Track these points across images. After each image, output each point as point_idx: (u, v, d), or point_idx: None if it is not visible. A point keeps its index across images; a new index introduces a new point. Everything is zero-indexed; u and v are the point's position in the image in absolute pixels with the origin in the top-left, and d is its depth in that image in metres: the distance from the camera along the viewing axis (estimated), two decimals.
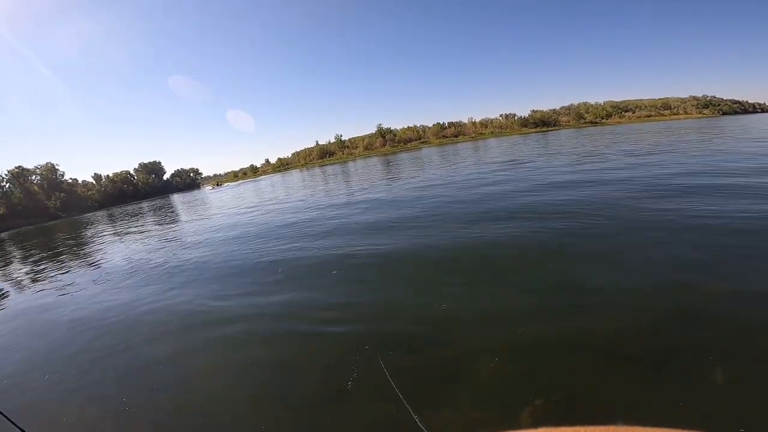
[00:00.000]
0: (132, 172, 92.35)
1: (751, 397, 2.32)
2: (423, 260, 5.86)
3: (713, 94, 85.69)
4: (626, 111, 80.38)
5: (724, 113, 74.43)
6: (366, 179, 22.38)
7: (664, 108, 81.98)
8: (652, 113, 77.90)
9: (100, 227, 24.93)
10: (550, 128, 66.22)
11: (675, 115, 78.84)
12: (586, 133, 43.28)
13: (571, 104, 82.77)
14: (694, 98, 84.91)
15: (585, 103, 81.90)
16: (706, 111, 76.42)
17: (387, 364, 3.11)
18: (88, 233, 21.98)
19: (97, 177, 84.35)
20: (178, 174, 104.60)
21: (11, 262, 15.01)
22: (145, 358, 4.13)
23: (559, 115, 75.60)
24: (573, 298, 3.86)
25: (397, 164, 32.57)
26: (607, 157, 15.20)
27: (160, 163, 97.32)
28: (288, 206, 16.08)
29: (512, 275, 4.72)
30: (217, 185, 71.56)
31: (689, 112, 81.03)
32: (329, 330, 4.14)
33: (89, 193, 78.94)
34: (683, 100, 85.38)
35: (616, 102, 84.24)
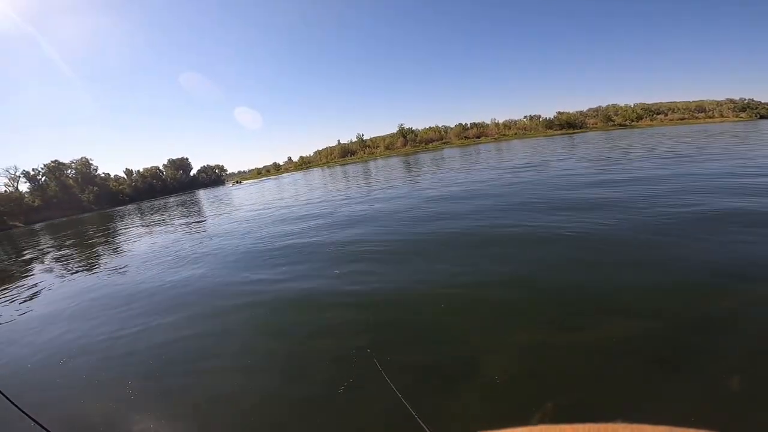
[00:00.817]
0: (161, 167, 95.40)
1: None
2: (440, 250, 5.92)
3: (751, 97, 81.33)
4: (658, 113, 77.36)
5: (762, 117, 70.62)
6: (384, 178, 22.46)
7: (699, 111, 78.48)
8: (686, 116, 74.67)
9: (134, 219, 25.86)
10: (576, 130, 64.55)
11: (710, 118, 75.38)
12: (616, 135, 42.03)
13: (599, 106, 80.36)
14: (731, 101, 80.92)
15: (614, 105, 79.35)
16: (743, 114, 72.71)
17: (390, 359, 3.12)
18: (123, 224, 22.89)
19: (128, 172, 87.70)
20: (204, 170, 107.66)
21: (64, 246, 15.83)
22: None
23: (586, 117, 73.55)
24: (591, 298, 3.82)
25: (416, 164, 32.48)
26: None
27: (187, 159, 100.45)
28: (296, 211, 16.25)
29: (529, 271, 4.67)
30: (238, 183, 73.35)
31: (725, 115, 77.31)
32: (336, 318, 4.22)
33: (120, 187, 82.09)
34: (719, 103, 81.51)
35: (648, 104, 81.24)
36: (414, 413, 1.58)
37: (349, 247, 7.05)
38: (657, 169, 11.74)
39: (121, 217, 31.28)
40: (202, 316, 4.99)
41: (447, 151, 50.61)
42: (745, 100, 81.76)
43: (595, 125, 69.05)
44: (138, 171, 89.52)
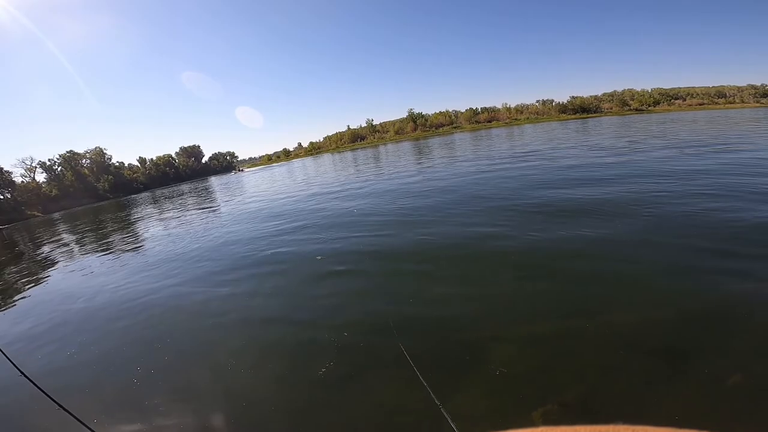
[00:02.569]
0: (173, 155, 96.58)
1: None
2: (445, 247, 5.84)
3: None
4: (676, 98, 75.14)
5: None
6: (394, 163, 22.40)
7: (719, 96, 75.95)
8: (705, 101, 72.40)
9: (149, 209, 26.46)
10: (590, 115, 63.21)
11: (730, 104, 72.92)
12: (634, 119, 41.08)
13: (615, 91, 78.30)
14: (752, 87, 77.99)
15: (630, 90, 77.25)
16: (764, 100, 70.15)
17: (405, 345, 3.04)
18: (139, 212, 23.47)
19: (141, 160, 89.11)
20: (215, 157, 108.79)
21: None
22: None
23: (600, 101, 71.82)
24: (599, 290, 3.81)
25: (427, 148, 32.33)
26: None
27: (199, 147, 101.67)
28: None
29: (537, 264, 4.62)
30: (240, 170, 74.34)
31: (746, 101, 74.67)
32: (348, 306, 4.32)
33: (134, 175, 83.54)
34: (740, 89, 78.62)
35: (665, 89, 78.86)
36: (438, 403, 1.57)
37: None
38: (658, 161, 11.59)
39: (138, 204, 31.80)
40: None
41: (457, 136, 50.13)
42: (767, 86, 78.73)
43: (610, 110, 67.45)
44: (151, 159, 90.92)
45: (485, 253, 5.27)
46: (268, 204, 14.31)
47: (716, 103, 73.10)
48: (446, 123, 72.22)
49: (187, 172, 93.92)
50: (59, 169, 71.84)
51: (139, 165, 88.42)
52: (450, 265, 5.00)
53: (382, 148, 49.46)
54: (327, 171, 26.82)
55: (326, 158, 51.77)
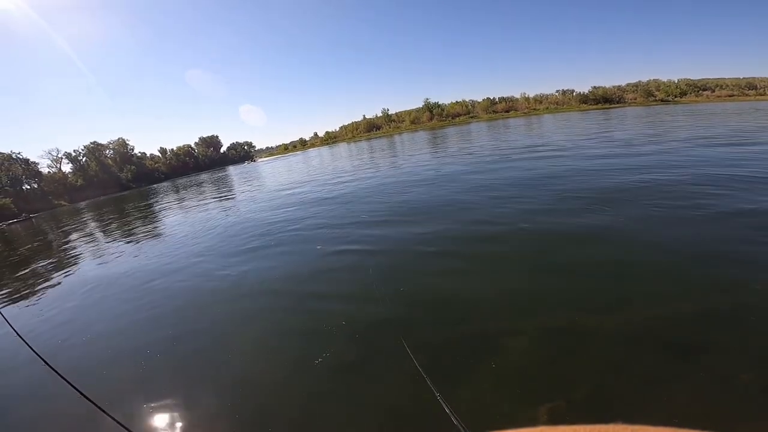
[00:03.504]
0: (192, 145, 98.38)
1: None
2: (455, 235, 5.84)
3: None
4: (704, 89, 72.19)
5: None
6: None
7: (750, 87, 72.57)
8: (735, 93, 69.36)
9: (169, 197, 27.15)
10: (612, 105, 61.37)
11: (761, 95, 69.65)
12: (658, 110, 39.78)
13: (639, 81, 75.66)
14: None
15: (656, 80, 74.53)
16: None
17: (410, 337, 3.11)
18: (160, 201, 24.13)
19: (162, 150, 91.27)
20: (233, 147, 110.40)
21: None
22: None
23: (624, 92, 69.54)
24: (612, 285, 3.76)
25: (443, 138, 31.99)
26: None
27: (217, 137, 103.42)
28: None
29: (552, 256, 4.57)
30: (252, 161, 76.12)
31: None
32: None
33: (156, 165, 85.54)
34: None
35: (693, 80, 75.80)
36: (437, 395, 1.55)
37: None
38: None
39: (159, 193, 32.64)
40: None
41: (474, 126, 49.53)
42: None
43: (634, 100, 65.30)
44: (171, 150, 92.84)
45: (495, 243, 5.26)
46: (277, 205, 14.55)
47: (746, 94, 69.90)
48: (463, 113, 71.24)
49: (206, 162, 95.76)
50: (84, 159, 74.08)
51: (160, 155, 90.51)
52: (467, 256, 4.98)
53: (397, 138, 49.28)
54: (342, 160, 26.97)
55: (342, 147, 51.92)
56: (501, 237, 5.47)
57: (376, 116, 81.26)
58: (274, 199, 13.10)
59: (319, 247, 6.28)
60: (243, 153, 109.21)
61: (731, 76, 79.55)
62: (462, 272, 4.54)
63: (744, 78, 78.20)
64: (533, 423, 2.18)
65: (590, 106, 61.78)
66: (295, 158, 48.96)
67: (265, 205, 12.16)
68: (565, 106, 65.57)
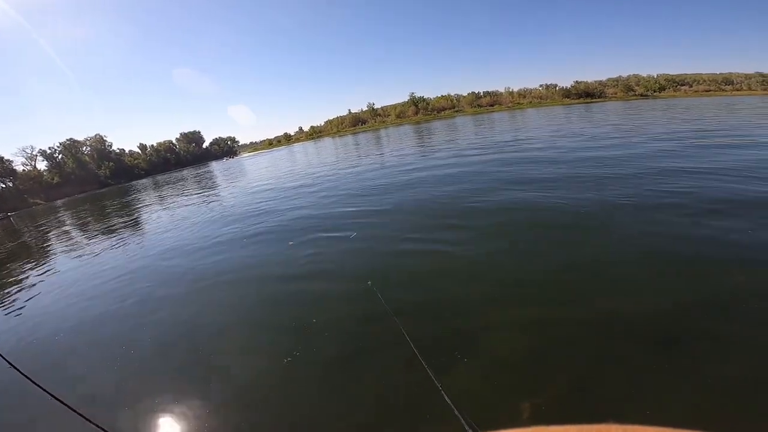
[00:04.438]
0: (174, 141, 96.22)
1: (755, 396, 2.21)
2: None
3: None
4: (682, 84, 73.91)
5: None
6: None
7: (726, 83, 74.61)
8: (712, 88, 71.25)
9: (148, 194, 26.50)
10: (594, 100, 62.39)
11: (737, 90, 71.66)
12: (645, 106, 40.55)
13: (620, 76, 77.01)
14: (760, 74, 76.41)
15: (635, 75, 75.98)
16: None
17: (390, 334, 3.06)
18: (138, 198, 23.44)
19: (142, 147, 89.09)
20: (216, 142, 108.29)
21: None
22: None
23: (605, 86, 70.73)
24: (598, 277, 3.75)
25: (428, 132, 32.04)
26: None
27: (199, 132, 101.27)
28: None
29: (541, 249, 4.55)
30: (231, 157, 74.79)
31: (753, 88, 73.30)
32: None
33: (136, 161, 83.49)
34: (747, 76, 77.08)
35: (671, 75, 77.49)
36: (439, 385, 1.52)
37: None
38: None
39: (138, 190, 31.98)
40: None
41: (459, 120, 49.66)
42: None
43: (614, 95, 66.52)
44: (152, 145, 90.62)
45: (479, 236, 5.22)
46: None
47: (723, 89, 71.84)
48: (448, 107, 71.36)
49: (188, 158, 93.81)
50: (60, 156, 71.76)
51: (139, 151, 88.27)
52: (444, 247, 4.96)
53: (383, 132, 49.10)
54: (328, 154, 26.73)
55: (327, 142, 51.50)
56: (479, 227, 5.48)
57: (362, 110, 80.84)
58: (248, 196, 12.88)
59: (291, 243, 6.21)
60: (226, 148, 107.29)
61: (708, 72, 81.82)
62: (439, 266, 4.52)
63: (721, 73, 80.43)
64: (516, 419, 2.18)
65: (573, 101, 62.63)
66: (279, 153, 48.39)
67: (243, 203, 11.95)
68: (548, 100, 66.29)
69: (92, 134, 77.25)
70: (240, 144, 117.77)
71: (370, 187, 9.79)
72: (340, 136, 64.81)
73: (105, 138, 78.19)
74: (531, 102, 66.19)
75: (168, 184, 30.24)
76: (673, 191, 5.90)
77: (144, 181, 54.67)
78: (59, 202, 45.95)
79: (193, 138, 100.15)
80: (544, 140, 14.12)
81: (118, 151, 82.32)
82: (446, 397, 1.32)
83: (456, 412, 1.15)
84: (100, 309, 5.02)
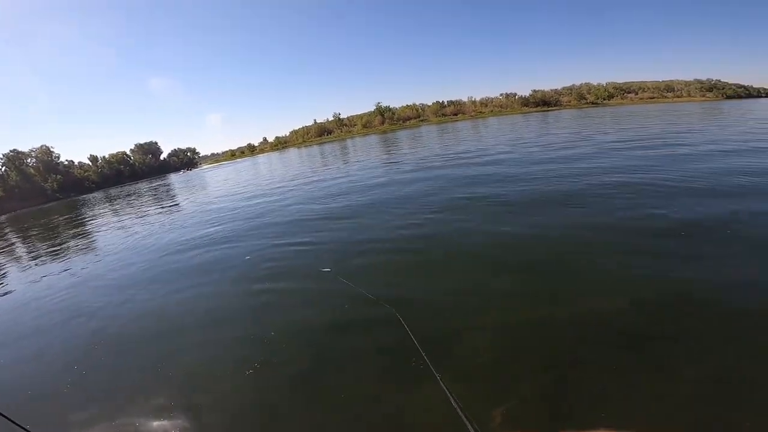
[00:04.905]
0: (128, 152, 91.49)
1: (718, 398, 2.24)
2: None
3: (718, 78, 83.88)
4: (629, 92, 79.11)
5: (728, 97, 73.18)
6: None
7: (668, 90, 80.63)
8: (655, 95, 76.72)
9: (102, 206, 24.80)
10: (551, 108, 65.42)
11: (678, 97, 77.59)
12: (587, 113, 42.74)
13: (573, 85, 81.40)
14: (699, 81, 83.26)
15: (587, 84, 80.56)
16: (709, 94, 75.21)
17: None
18: (88, 213, 21.82)
19: (93, 158, 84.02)
20: (175, 154, 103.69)
21: None
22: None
23: (560, 95, 74.47)
24: (565, 280, 3.77)
25: (394, 141, 32.15)
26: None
27: (156, 143, 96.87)
28: None
29: (506, 256, 4.56)
30: (189, 169, 73.97)
31: (692, 95, 79.60)
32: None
33: (86, 174, 78.73)
34: (687, 83, 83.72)
35: (619, 83, 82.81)
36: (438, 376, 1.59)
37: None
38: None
39: (88, 204, 30.16)
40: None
41: (424, 129, 50.38)
42: (712, 80, 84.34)
43: (569, 103, 70.11)
44: (104, 157, 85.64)
45: (449, 244, 5.22)
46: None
47: (665, 96, 77.59)
48: (413, 116, 72.48)
49: (144, 170, 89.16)
50: (3, 169, 66.19)
51: (90, 163, 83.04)
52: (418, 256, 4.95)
53: (349, 142, 48.87)
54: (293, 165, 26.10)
55: (292, 153, 50.59)
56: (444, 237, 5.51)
57: (328, 120, 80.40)
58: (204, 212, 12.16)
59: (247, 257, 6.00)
60: (186, 160, 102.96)
61: (652, 79, 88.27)
62: (406, 274, 4.48)
63: (663, 81, 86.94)
64: (486, 426, 2.15)
65: (531, 109, 65.49)
66: (243, 164, 46.97)
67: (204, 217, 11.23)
68: (508, 109, 68.92)
69: (38, 145, 71.98)
70: (201, 155, 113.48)
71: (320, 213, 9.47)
72: (306, 146, 63.95)
73: (52, 149, 72.97)
74: (492, 111, 68.54)
75: (119, 198, 28.55)
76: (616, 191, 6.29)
77: (95, 194, 51.50)
78: (2, 218, 42.27)
79: (149, 149, 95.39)
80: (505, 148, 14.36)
81: (66, 162, 76.96)
82: (453, 401, 1.34)
83: (461, 414, 1.22)
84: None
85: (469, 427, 1.12)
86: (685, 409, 2.17)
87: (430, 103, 76.12)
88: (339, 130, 75.80)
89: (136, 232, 10.52)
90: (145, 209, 16.45)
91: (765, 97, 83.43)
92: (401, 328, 2.89)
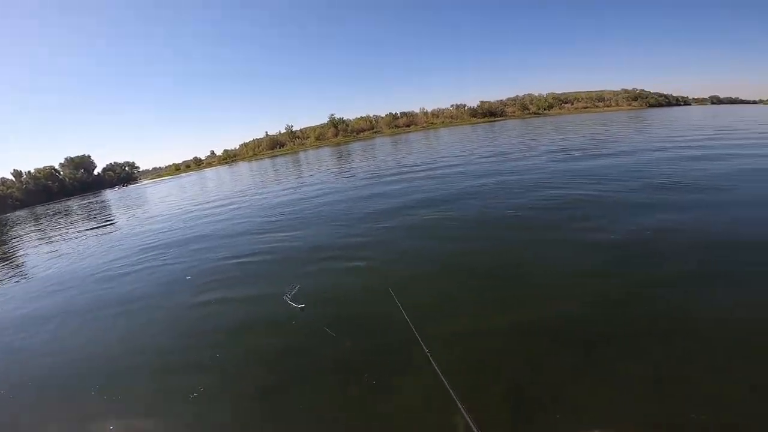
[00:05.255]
0: (57, 167, 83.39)
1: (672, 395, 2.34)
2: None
3: (642, 87, 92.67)
4: (566, 102, 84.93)
5: (651, 105, 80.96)
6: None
7: (599, 100, 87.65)
8: (589, 105, 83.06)
9: (24, 227, 22.32)
10: (497, 118, 68.58)
11: (608, 106, 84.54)
12: (537, 123, 45.23)
13: (517, 95, 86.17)
14: (625, 91, 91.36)
15: (529, 95, 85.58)
16: (635, 103, 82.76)
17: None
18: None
19: (16, 173, 75.65)
20: (110, 168, 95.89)
21: None
22: None
23: (505, 105, 78.42)
24: (521, 285, 3.93)
25: (348, 154, 31.82)
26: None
27: (89, 157, 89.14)
28: None
29: (465, 263, 4.69)
30: (125, 185, 70.91)
31: (620, 104, 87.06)
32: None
33: (9, 191, 70.80)
34: (615, 93, 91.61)
35: (557, 94, 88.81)
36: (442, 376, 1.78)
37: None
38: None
39: (7, 224, 27.03)
40: None
41: (378, 140, 50.62)
42: (636, 90, 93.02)
43: (513, 113, 73.93)
44: (29, 172, 77.33)
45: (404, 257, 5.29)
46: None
47: (597, 106, 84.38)
48: (367, 128, 72.69)
49: (75, 186, 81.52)
50: None
51: (13, 179, 74.61)
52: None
53: (302, 155, 47.83)
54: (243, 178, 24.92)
55: (242, 167, 48.56)
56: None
57: (280, 133, 78.41)
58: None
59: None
60: (123, 174, 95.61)
61: (586, 90, 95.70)
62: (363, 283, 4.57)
63: (595, 91, 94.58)
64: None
65: (479, 120, 68.21)
66: (188, 179, 44.32)
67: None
68: (458, 119, 71.29)
69: None
70: (141, 170, 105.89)
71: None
72: (256, 159, 61.77)
73: None
74: (443, 122, 70.55)
75: (45, 217, 25.86)
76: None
77: (20, 213, 46.29)
78: None
79: (81, 163, 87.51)
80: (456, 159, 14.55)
81: None
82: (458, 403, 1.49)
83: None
84: None
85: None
86: (630, 406, 2.29)
87: (383, 115, 76.87)
88: (292, 143, 74.13)
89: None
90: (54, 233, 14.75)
91: (683, 104, 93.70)
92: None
